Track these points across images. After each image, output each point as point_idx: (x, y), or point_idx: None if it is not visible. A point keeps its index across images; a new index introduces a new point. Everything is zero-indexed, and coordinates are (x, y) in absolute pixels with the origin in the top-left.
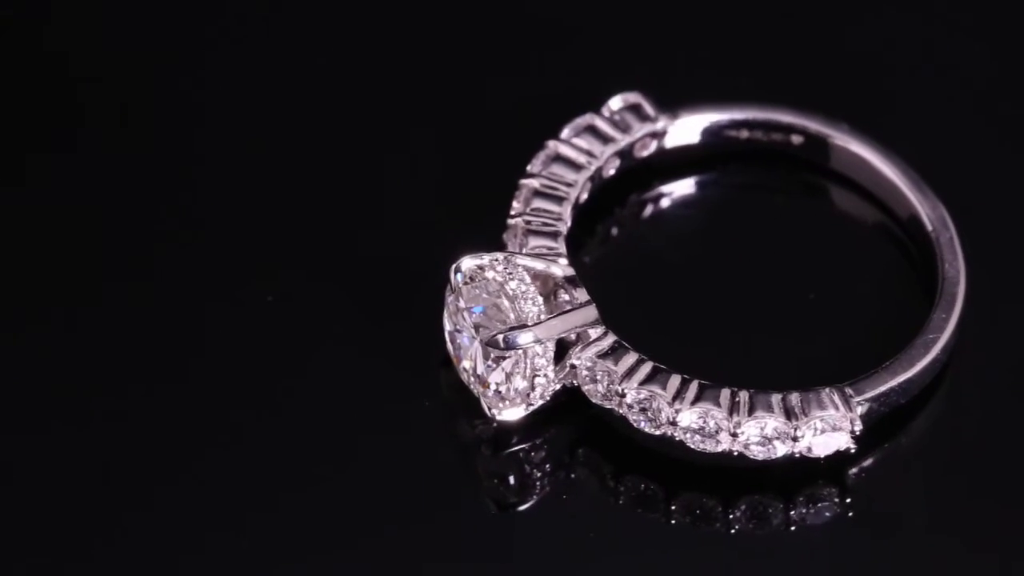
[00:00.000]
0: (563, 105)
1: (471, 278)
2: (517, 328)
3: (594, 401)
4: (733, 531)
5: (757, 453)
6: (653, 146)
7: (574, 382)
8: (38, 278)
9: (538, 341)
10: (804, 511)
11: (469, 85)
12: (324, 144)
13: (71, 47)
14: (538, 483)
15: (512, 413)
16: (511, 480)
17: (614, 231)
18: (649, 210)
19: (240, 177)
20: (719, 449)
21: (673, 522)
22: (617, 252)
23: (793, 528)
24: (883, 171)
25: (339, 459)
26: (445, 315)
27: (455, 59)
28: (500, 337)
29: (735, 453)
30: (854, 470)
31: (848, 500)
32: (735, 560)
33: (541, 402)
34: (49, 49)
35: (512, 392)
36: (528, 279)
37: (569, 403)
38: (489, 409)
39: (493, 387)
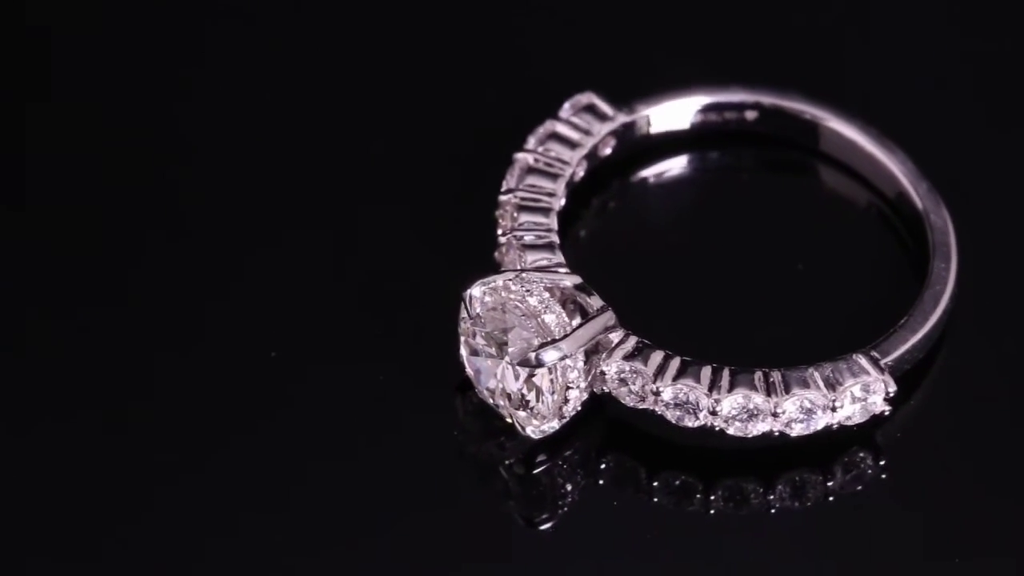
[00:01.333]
0: (518, 109)
1: (486, 301)
2: (547, 344)
3: (628, 405)
4: (774, 510)
5: (798, 430)
6: (612, 144)
7: (604, 388)
8: (37, 277)
9: (568, 355)
10: (842, 480)
11: (426, 100)
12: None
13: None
14: (574, 493)
15: (547, 428)
16: (553, 494)
17: (598, 221)
18: (637, 192)
19: (236, 176)
20: (760, 431)
21: (713, 512)
22: (604, 237)
23: (832, 499)
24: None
25: (366, 494)
26: (462, 341)
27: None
28: (532, 355)
29: (775, 433)
30: (881, 433)
31: (882, 462)
32: (784, 538)
33: (572, 413)
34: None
35: (546, 408)
36: (545, 292)
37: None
38: (523, 428)
39: (528, 405)
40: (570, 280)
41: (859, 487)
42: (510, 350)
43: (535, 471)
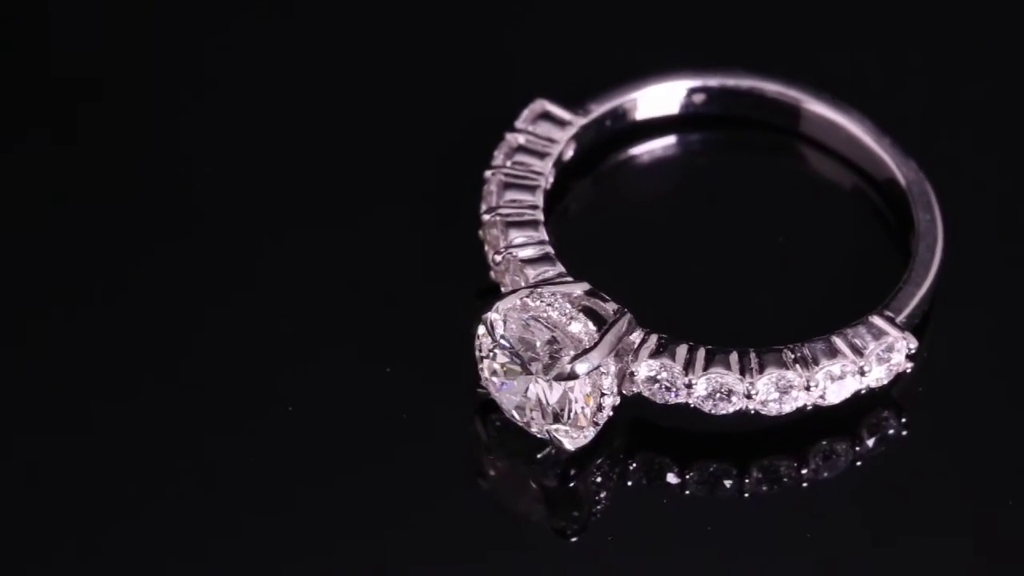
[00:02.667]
0: (475, 116)
1: (509, 322)
2: (579, 355)
3: (658, 402)
4: (805, 484)
5: (830, 399)
6: (573, 148)
7: (633, 390)
8: (36, 277)
9: (600, 363)
10: (871, 443)
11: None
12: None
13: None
14: (609, 498)
15: (584, 438)
16: (591, 501)
17: (581, 204)
18: (620, 175)
19: (232, 176)
20: (795, 407)
21: (747, 495)
22: (586, 219)
23: (860, 463)
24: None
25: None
26: (484, 365)
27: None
28: (567, 368)
29: (809, 407)
30: (897, 390)
31: (904, 419)
32: (823, 508)
33: (605, 419)
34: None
35: (584, 417)
36: (566, 303)
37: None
38: (560, 442)
39: (565, 418)
40: (579, 287)
41: (886, 447)
42: (542, 366)
43: (571, 483)
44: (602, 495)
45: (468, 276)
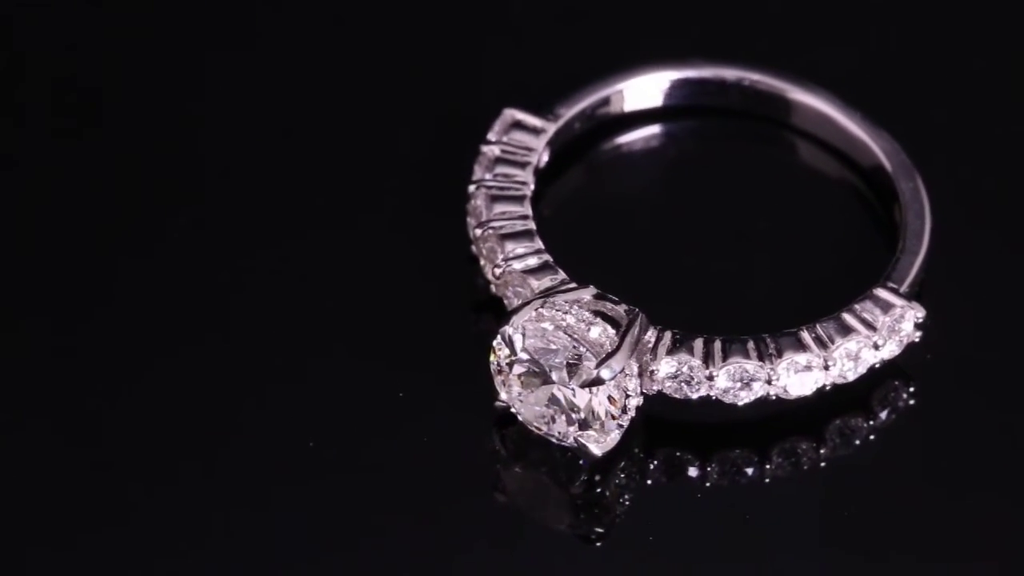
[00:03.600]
0: (444, 122)
1: (527, 334)
2: (604, 360)
3: (678, 398)
4: (824, 464)
5: (849, 377)
6: (548, 153)
7: (653, 389)
8: (36, 277)
9: (624, 366)
10: (885, 416)
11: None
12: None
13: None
14: (636, 501)
15: (612, 440)
16: (616, 504)
17: (569, 193)
18: (607, 165)
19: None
20: (814, 389)
21: (768, 481)
22: (575, 209)
23: (873, 437)
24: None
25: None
26: (501, 380)
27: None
28: (593, 374)
29: (828, 387)
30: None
31: (912, 388)
32: (844, 486)
33: (628, 421)
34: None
35: (609, 422)
36: (582, 309)
37: None
38: (587, 447)
39: (592, 423)
40: (587, 292)
41: (897, 417)
42: (566, 374)
43: (598, 488)
44: (626, 497)
45: (458, 288)
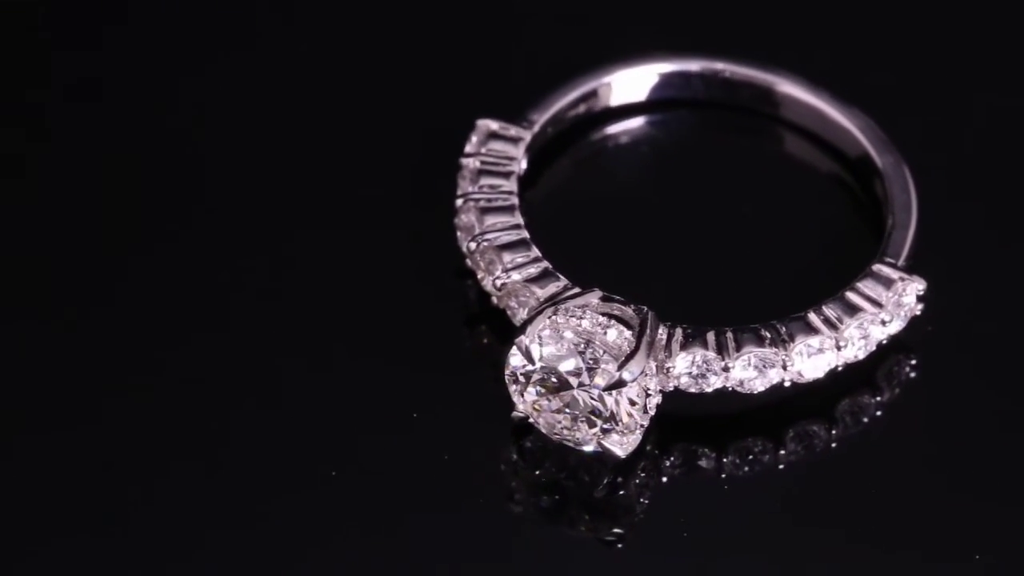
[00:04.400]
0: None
1: (545, 343)
2: (625, 361)
3: (692, 392)
4: (835, 445)
5: (859, 356)
6: (526, 160)
7: (670, 385)
8: (36, 277)
9: (646, 364)
10: (891, 394)
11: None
12: None
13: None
14: (656, 498)
15: (635, 441)
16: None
17: (555, 186)
18: (594, 158)
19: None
20: (825, 371)
21: (783, 466)
22: (559, 205)
23: (880, 413)
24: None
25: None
26: (518, 390)
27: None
28: (615, 376)
29: (840, 368)
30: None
31: (913, 361)
32: (858, 466)
33: (649, 420)
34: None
35: (633, 421)
36: (596, 314)
37: None
38: (611, 449)
39: (617, 425)
40: (593, 296)
41: (903, 392)
42: (587, 378)
43: (620, 491)
44: (646, 497)
45: (451, 300)
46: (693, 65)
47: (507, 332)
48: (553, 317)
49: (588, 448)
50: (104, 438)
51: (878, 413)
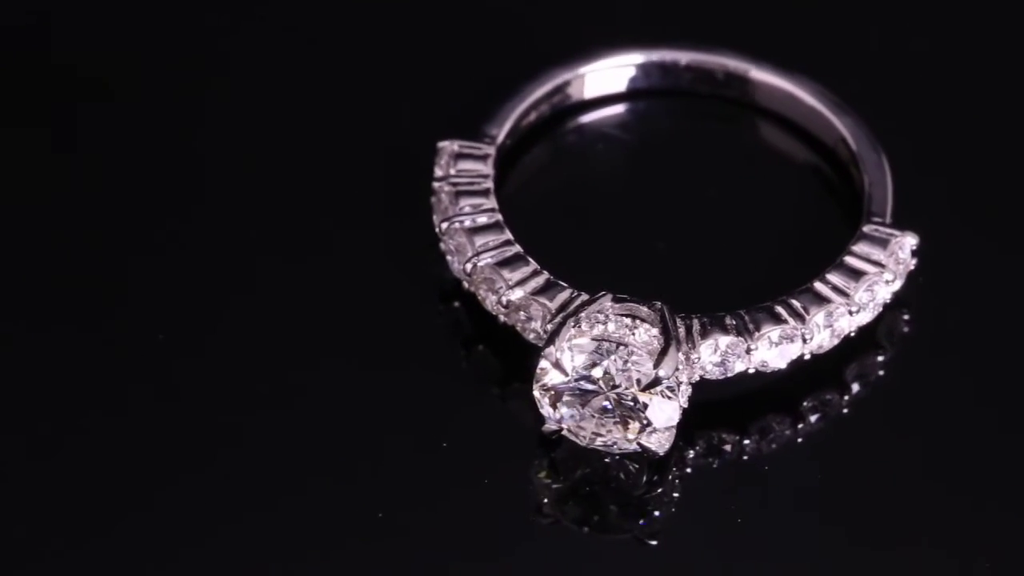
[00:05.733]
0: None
1: (577, 351)
2: (660, 359)
3: (714, 378)
4: (848, 410)
5: (868, 319)
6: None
7: (695, 376)
8: (36, 280)
9: (678, 357)
10: (893, 350)
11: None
12: None
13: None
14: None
15: (672, 436)
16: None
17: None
18: (570, 147)
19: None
20: (841, 337)
21: (800, 440)
22: (536, 193)
23: (883, 372)
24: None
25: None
26: (547, 401)
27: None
28: (655, 373)
29: (853, 333)
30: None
31: (906, 316)
32: (876, 425)
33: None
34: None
35: (671, 417)
36: (618, 316)
37: None
38: (650, 448)
39: (657, 423)
40: (606, 300)
41: (906, 351)
42: (623, 381)
43: (659, 488)
44: (677, 491)
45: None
46: (647, 56)
47: (501, 345)
48: (578, 326)
49: (628, 448)
50: (95, 442)
51: (881, 372)
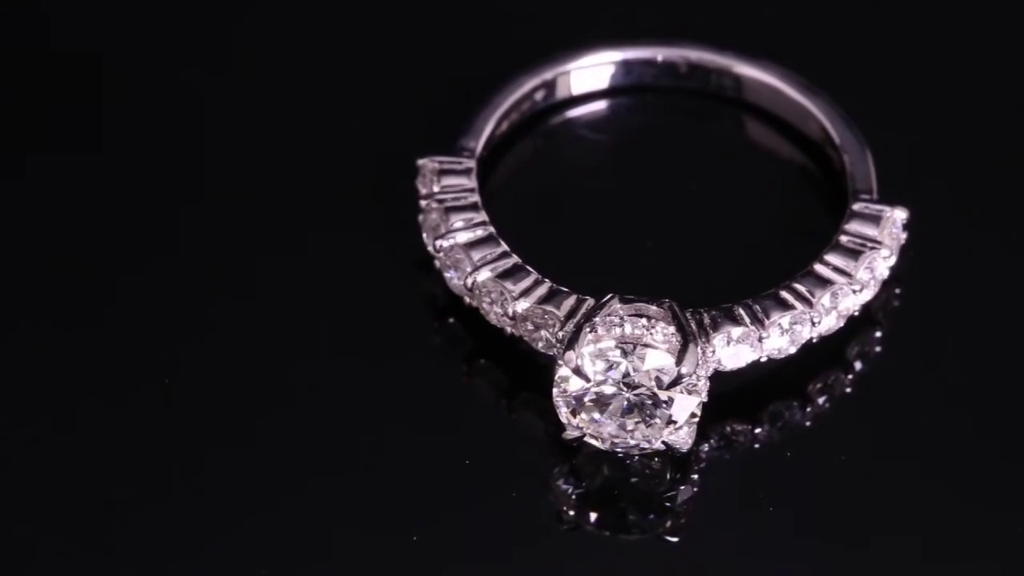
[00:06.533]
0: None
1: (595, 357)
2: (681, 355)
3: (728, 369)
4: (851, 387)
5: (870, 296)
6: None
7: (711, 368)
8: (36, 280)
9: (700, 353)
10: (888, 323)
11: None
12: None
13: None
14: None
15: (694, 430)
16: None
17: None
18: (554, 142)
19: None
20: (848, 312)
21: (809, 425)
22: (520, 187)
23: (880, 348)
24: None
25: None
26: (565, 415)
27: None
28: (677, 370)
29: (857, 311)
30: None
31: (898, 291)
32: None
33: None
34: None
35: (693, 412)
36: (638, 318)
37: None
38: (676, 444)
39: (681, 418)
40: (614, 301)
41: (902, 325)
42: (642, 380)
43: (682, 484)
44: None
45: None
46: (625, 55)
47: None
48: (594, 331)
49: (651, 448)
50: (87, 442)
51: (877, 348)
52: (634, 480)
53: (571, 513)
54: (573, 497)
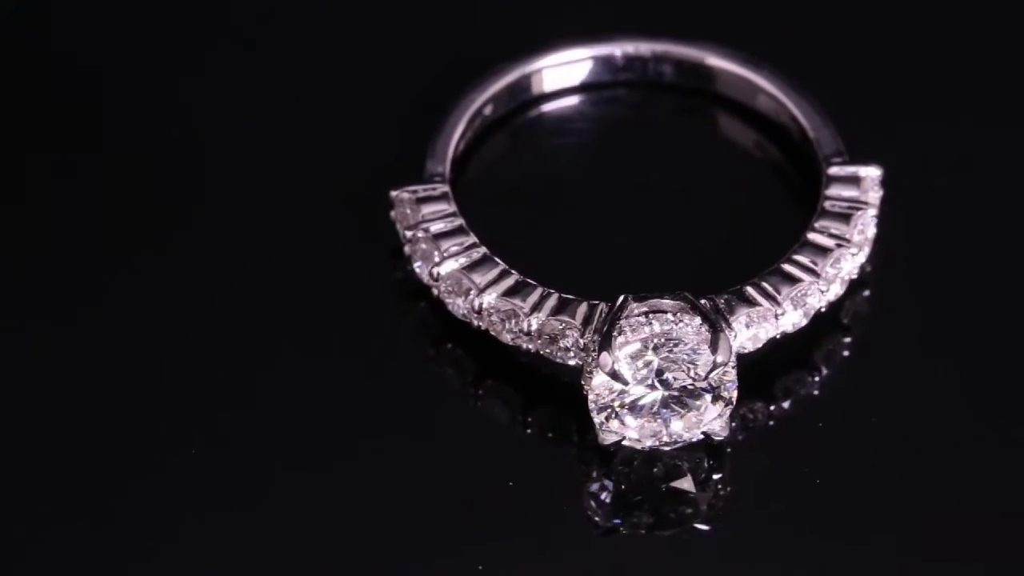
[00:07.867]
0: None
1: (631, 357)
2: (715, 344)
3: (748, 350)
4: (853, 358)
5: (864, 258)
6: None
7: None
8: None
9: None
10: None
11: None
12: None
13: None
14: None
15: (728, 417)
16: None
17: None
18: (528, 138)
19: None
20: (849, 277)
21: (819, 392)
22: (495, 182)
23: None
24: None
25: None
26: (601, 421)
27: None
28: (715, 359)
29: (855, 276)
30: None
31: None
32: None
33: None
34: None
35: (731, 399)
36: (658, 315)
37: None
38: (717, 431)
39: (722, 405)
40: (629, 301)
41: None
42: (677, 376)
43: (716, 474)
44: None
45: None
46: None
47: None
48: (623, 334)
49: (689, 439)
50: (80, 443)
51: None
52: (671, 474)
53: (604, 513)
54: (609, 498)
